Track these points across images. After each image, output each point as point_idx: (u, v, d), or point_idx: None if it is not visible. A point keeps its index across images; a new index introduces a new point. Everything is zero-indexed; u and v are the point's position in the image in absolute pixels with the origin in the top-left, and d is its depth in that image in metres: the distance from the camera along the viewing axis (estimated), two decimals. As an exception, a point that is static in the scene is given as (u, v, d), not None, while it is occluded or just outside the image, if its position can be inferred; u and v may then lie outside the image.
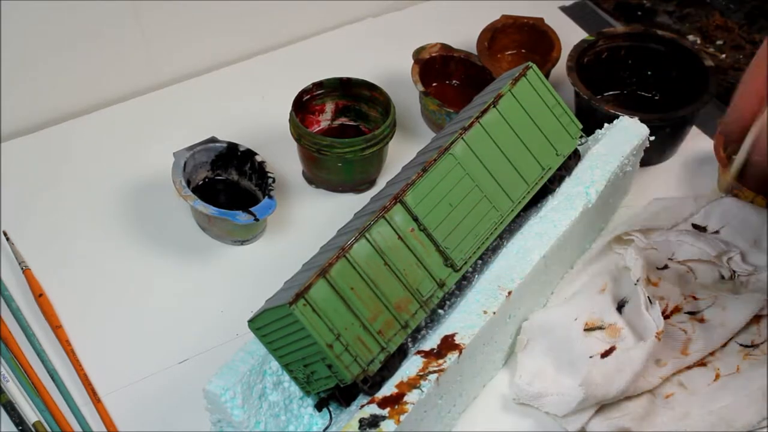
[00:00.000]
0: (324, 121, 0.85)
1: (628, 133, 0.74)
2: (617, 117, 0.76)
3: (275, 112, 0.86)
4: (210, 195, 0.79)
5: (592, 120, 0.78)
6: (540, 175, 0.69)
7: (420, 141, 0.82)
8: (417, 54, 0.87)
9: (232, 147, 0.80)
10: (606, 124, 0.75)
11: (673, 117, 0.80)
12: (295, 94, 0.81)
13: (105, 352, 0.72)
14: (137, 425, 0.67)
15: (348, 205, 0.75)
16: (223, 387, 0.59)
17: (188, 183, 0.77)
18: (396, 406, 0.58)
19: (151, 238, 0.79)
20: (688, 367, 0.67)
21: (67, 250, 0.79)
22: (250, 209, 0.75)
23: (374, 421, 0.57)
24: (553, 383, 0.65)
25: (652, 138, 0.76)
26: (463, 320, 0.62)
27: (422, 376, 0.59)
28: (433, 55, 0.88)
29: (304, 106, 0.83)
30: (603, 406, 0.65)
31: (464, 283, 0.67)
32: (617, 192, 0.76)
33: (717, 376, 0.67)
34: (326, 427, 0.62)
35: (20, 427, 0.67)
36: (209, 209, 0.74)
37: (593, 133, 0.76)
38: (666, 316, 0.70)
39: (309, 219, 0.81)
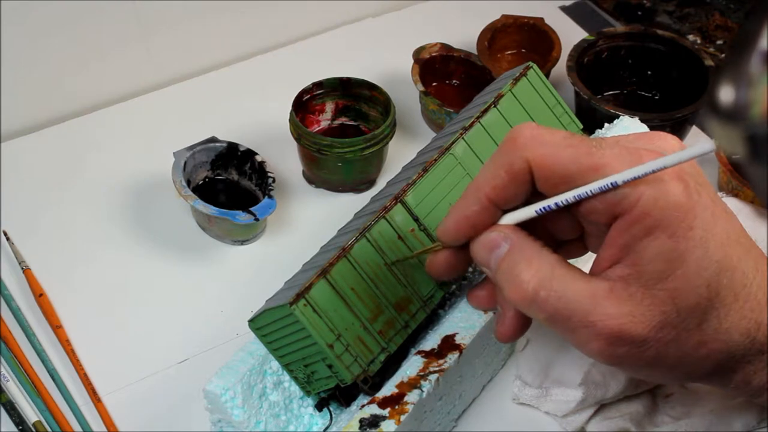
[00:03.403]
0: (324, 120, 0.85)
1: (628, 132, 0.74)
2: (617, 117, 0.76)
3: (275, 112, 0.86)
4: (210, 195, 0.79)
5: (592, 120, 0.79)
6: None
7: (420, 141, 0.82)
8: (417, 54, 0.87)
9: (232, 147, 0.80)
10: (606, 124, 0.75)
11: (673, 117, 0.80)
12: (295, 94, 0.81)
13: (105, 352, 0.72)
14: (137, 425, 0.67)
15: (348, 205, 0.75)
16: (223, 387, 0.59)
17: (188, 183, 0.77)
18: (396, 407, 0.58)
19: (151, 238, 0.79)
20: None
21: (67, 250, 0.79)
22: (250, 209, 0.75)
23: (374, 421, 0.57)
24: (553, 383, 0.65)
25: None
26: (463, 320, 0.62)
27: (422, 376, 0.59)
28: (433, 54, 0.88)
29: (304, 105, 0.83)
30: (603, 406, 0.65)
31: (464, 282, 0.67)
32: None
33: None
34: (326, 427, 0.62)
35: (20, 427, 0.67)
36: (209, 209, 0.74)
37: (594, 132, 0.76)
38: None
39: (309, 219, 0.81)
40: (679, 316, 0.47)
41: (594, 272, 0.49)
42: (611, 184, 0.47)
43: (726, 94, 0.37)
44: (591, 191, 0.47)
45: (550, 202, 0.49)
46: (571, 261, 0.51)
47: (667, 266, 0.46)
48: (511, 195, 0.50)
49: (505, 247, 0.50)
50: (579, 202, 0.49)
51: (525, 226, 0.51)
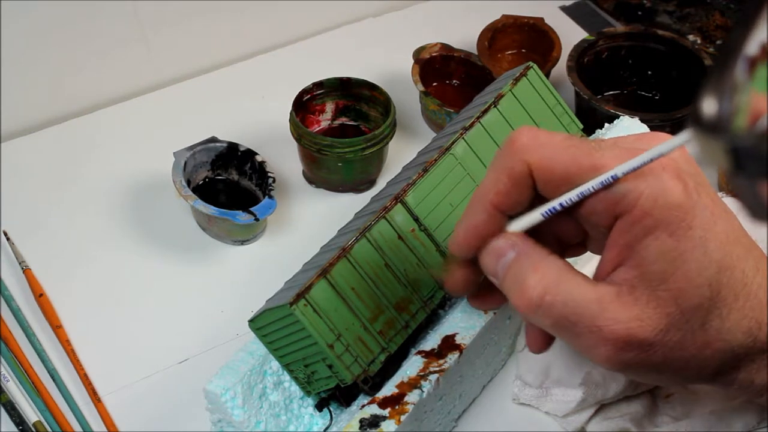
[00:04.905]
0: (324, 120, 0.85)
1: (628, 132, 0.74)
2: (618, 117, 0.76)
3: (275, 112, 0.86)
4: (210, 195, 0.79)
5: (592, 120, 0.79)
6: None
7: (420, 141, 0.82)
8: (417, 54, 0.87)
9: (233, 147, 0.80)
10: (606, 124, 0.75)
11: (673, 117, 0.80)
12: (295, 94, 0.81)
13: (105, 352, 0.72)
14: (137, 425, 0.67)
15: (348, 205, 0.75)
16: (223, 387, 0.59)
17: (188, 183, 0.77)
18: (396, 407, 0.58)
19: (151, 238, 0.79)
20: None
21: (67, 250, 0.79)
22: (251, 209, 0.75)
23: (375, 421, 0.57)
24: (553, 383, 0.65)
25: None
26: (463, 320, 0.62)
27: (423, 376, 0.59)
28: (433, 54, 0.88)
29: (304, 105, 0.83)
30: (603, 406, 0.65)
31: (465, 283, 0.67)
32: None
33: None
34: (327, 427, 0.62)
35: (20, 427, 0.66)
36: (209, 209, 0.74)
37: (594, 132, 0.76)
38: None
39: (309, 219, 0.81)
40: (683, 317, 0.47)
41: (599, 276, 0.49)
42: (612, 177, 0.47)
43: (709, 105, 0.37)
44: (593, 187, 0.47)
45: (555, 203, 0.49)
46: (570, 261, 0.51)
47: (668, 266, 0.46)
48: (514, 200, 0.50)
49: (512, 254, 0.50)
50: (580, 204, 0.49)
51: (532, 233, 0.51)
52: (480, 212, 0.51)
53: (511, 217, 0.51)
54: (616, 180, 0.47)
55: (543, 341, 0.53)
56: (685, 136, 0.45)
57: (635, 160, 0.46)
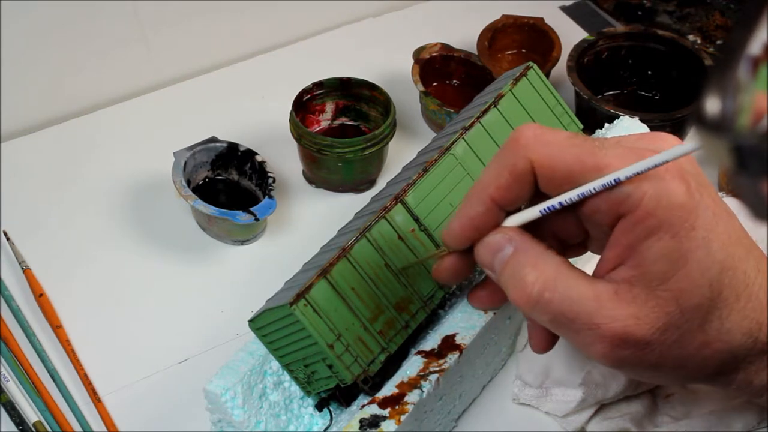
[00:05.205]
0: (324, 120, 0.85)
1: (628, 132, 0.74)
2: (618, 117, 0.76)
3: (275, 112, 0.86)
4: (210, 195, 0.79)
5: (592, 120, 0.79)
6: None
7: (420, 141, 0.82)
8: (417, 54, 0.87)
9: (233, 147, 0.80)
10: (606, 124, 0.75)
11: (673, 117, 0.80)
12: (295, 94, 0.81)
13: (105, 352, 0.72)
14: (137, 425, 0.67)
15: (348, 205, 0.75)
16: (223, 387, 0.59)
17: (188, 183, 0.77)
18: (396, 407, 0.58)
19: (151, 238, 0.79)
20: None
21: (67, 250, 0.79)
22: (251, 209, 0.75)
23: (375, 421, 0.57)
24: (553, 383, 0.65)
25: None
26: (463, 320, 0.62)
27: (423, 376, 0.59)
28: (433, 54, 0.88)
29: (304, 105, 0.83)
30: (603, 406, 0.65)
31: (465, 282, 0.67)
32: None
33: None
34: (327, 427, 0.62)
35: (20, 427, 0.66)
36: (209, 209, 0.74)
37: (594, 132, 0.76)
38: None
39: (309, 219, 0.81)
40: (682, 317, 0.47)
41: (598, 274, 0.49)
42: (614, 180, 0.47)
43: (712, 104, 0.37)
44: (594, 189, 0.47)
45: (554, 202, 0.49)
46: (571, 261, 0.51)
47: (670, 267, 0.46)
48: (514, 196, 0.50)
49: (509, 249, 0.50)
50: (582, 202, 0.49)
51: (530, 228, 0.51)
52: (478, 205, 0.51)
53: (509, 212, 0.51)
54: (618, 183, 0.47)
55: (546, 341, 0.53)
56: (691, 144, 0.45)
57: (638, 164, 0.46)
